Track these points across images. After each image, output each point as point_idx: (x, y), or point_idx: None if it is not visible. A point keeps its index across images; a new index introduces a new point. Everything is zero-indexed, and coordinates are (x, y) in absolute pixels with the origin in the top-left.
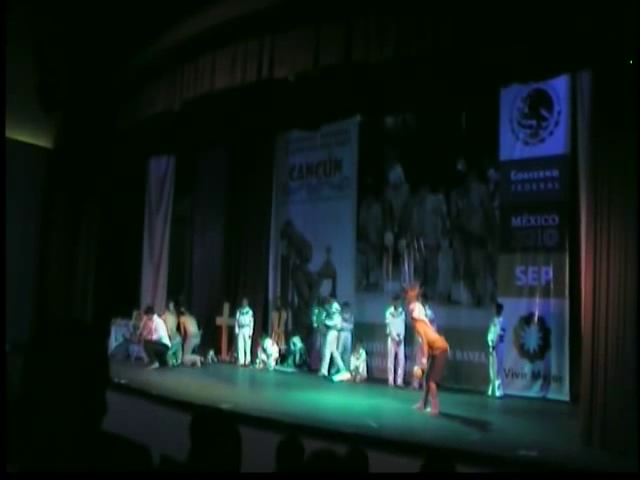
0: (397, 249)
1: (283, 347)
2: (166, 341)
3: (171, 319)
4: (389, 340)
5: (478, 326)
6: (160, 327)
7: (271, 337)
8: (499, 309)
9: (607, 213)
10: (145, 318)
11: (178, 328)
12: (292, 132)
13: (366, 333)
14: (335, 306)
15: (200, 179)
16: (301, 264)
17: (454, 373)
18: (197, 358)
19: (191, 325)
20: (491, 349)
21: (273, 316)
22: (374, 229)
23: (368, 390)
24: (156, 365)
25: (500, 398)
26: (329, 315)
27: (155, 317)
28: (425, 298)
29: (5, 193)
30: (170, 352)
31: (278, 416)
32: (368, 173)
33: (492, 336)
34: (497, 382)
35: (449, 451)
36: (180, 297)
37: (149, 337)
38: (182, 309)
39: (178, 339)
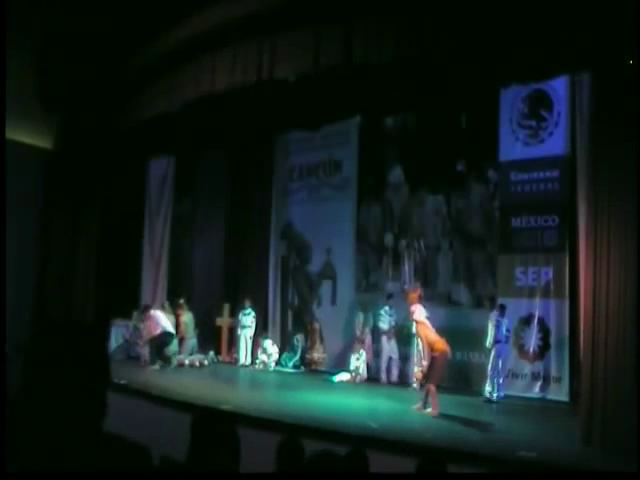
0: (397, 250)
1: (321, 355)
2: (170, 329)
3: (170, 319)
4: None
5: (478, 327)
6: (161, 319)
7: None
8: (502, 310)
9: (607, 213)
10: (145, 319)
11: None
12: (292, 133)
13: None
14: (385, 308)
15: (200, 180)
16: (301, 265)
17: (454, 374)
18: (196, 359)
19: (188, 325)
20: (490, 350)
21: (311, 327)
22: (374, 230)
23: (368, 390)
24: (157, 366)
25: (497, 402)
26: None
27: (152, 312)
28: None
29: (5, 194)
30: (172, 351)
31: (278, 417)
32: (368, 174)
33: (490, 337)
34: (491, 385)
35: (449, 452)
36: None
37: (152, 333)
38: (181, 302)
39: (176, 340)
